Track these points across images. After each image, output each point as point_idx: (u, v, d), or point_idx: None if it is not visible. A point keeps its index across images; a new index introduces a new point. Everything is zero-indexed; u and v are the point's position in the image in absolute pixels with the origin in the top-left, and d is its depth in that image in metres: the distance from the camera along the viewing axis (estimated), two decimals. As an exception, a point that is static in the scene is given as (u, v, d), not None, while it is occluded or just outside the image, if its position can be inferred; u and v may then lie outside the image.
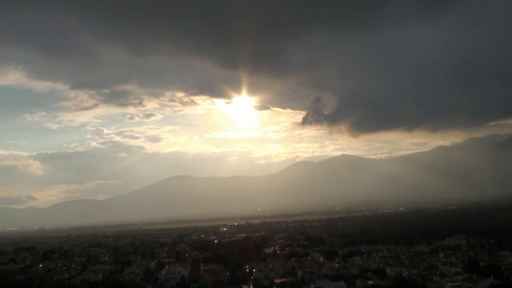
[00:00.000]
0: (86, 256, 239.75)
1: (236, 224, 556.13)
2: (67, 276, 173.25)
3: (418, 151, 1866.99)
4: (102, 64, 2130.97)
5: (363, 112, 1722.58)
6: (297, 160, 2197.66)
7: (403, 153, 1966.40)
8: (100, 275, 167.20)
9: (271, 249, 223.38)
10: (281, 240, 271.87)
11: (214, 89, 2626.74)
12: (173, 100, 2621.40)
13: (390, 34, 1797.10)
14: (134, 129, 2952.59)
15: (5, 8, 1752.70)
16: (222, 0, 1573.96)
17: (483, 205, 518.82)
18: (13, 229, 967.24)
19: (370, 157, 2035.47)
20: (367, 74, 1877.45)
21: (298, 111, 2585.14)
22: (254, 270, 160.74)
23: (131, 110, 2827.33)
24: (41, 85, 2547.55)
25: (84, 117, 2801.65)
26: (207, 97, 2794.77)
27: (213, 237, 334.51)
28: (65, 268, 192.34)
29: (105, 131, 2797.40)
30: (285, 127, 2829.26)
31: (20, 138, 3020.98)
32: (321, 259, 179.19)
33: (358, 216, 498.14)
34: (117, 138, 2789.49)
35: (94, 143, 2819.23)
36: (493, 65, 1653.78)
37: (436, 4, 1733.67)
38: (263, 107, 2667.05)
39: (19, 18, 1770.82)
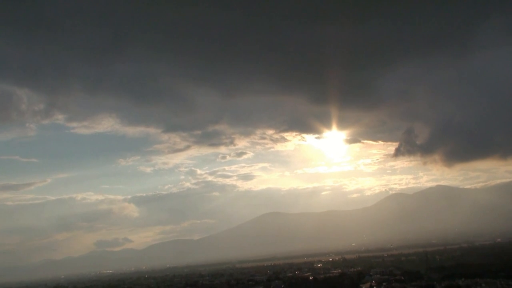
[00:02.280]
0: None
1: (330, 259, 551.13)
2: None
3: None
4: (193, 106, 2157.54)
5: (456, 140, 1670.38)
6: (391, 192, 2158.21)
7: (498, 181, 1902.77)
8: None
9: (368, 284, 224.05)
10: (378, 275, 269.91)
11: (303, 125, 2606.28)
12: (264, 138, 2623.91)
13: (481, 58, 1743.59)
14: (226, 168, 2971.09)
15: (98, 59, 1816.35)
16: (310, 36, 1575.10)
17: None
18: (110, 271, 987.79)
19: (466, 187, 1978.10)
20: (459, 101, 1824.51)
21: (390, 143, 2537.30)
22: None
23: (222, 149, 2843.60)
24: (134, 131, 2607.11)
25: (177, 159, 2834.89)
26: (297, 133, 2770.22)
27: (308, 274, 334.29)
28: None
29: (198, 171, 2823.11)
30: (377, 159, 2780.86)
31: (115, 182, 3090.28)
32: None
33: (455, 248, 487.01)
34: (210, 178, 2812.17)
35: (187, 184, 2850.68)
36: None
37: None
38: (353, 140, 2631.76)
39: (111, 67, 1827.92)
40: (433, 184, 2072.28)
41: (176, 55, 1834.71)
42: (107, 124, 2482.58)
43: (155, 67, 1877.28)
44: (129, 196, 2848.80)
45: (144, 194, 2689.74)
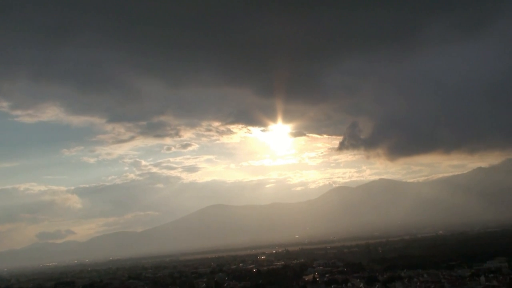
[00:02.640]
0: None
1: (274, 251, 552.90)
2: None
3: (456, 173, 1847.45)
4: (139, 97, 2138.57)
5: (400, 135, 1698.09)
6: (334, 185, 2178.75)
7: (440, 175, 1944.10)
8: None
9: (310, 276, 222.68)
10: (320, 267, 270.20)
11: (250, 118, 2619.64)
12: (210, 130, 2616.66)
13: (426, 56, 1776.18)
14: (171, 159, 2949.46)
15: (43, 44, 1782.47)
16: (257, 29, 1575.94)
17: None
18: (53, 264, 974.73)
19: (408, 181, 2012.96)
20: (403, 97, 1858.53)
21: (334, 137, 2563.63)
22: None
23: (168, 141, 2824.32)
24: (78, 120, 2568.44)
25: (121, 149, 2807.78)
26: (243, 125, 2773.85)
27: (252, 266, 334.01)
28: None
29: (143, 162, 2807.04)
30: (322, 153, 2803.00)
31: (58, 173, 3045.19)
32: (361, 285, 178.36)
33: (397, 240, 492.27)
34: (154, 170, 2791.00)
35: (131, 175, 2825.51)
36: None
37: (467, 26, 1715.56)
38: (299, 133, 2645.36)
39: (57, 54, 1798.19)
40: (376, 177, 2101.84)
41: (123, 43, 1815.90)
42: (51, 113, 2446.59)
43: (101, 54, 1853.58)
44: (72, 187, 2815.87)
45: (88, 185, 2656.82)
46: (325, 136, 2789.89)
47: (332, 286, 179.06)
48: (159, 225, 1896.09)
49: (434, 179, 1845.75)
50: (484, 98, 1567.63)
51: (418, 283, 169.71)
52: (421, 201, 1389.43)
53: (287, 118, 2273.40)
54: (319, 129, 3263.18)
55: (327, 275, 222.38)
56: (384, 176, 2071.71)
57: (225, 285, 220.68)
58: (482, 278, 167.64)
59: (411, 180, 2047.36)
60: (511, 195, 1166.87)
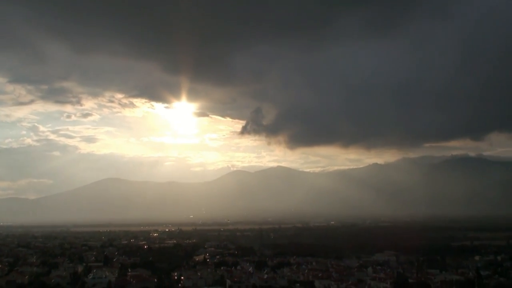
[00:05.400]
0: (13, 256, 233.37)
1: (167, 230, 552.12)
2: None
3: (352, 167, 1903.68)
4: (43, 59, 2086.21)
5: (301, 125, 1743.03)
6: (233, 169, 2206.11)
7: (337, 168, 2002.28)
8: (27, 277, 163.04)
9: (201, 257, 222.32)
10: (212, 248, 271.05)
11: (154, 93, 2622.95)
12: (112, 101, 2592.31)
13: (334, 51, 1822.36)
14: (70, 128, 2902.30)
15: None
16: (168, 4, 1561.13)
17: (414, 223, 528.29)
18: None
19: (305, 170, 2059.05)
20: (308, 88, 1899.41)
21: (237, 120, 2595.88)
22: (182, 278, 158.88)
23: (68, 108, 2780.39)
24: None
25: (20, 112, 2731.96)
26: (147, 100, 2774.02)
27: (143, 242, 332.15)
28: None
29: (41, 128, 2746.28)
30: (224, 135, 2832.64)
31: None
32: (250, 269, 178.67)
33: (289, 227, 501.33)
34: (52, 136, 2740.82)
35: (28, 140, 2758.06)
36: (432, 88, 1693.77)
37: (380, 25, 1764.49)
38: (202, 114, 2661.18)
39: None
40: (275, 164, 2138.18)
41: (31, 4, 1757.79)
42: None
43: (8, 13, 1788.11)
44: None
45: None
46: (228, 119, 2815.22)
47: (222, 268, 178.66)
48: (53, 194, 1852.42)
49: (330, 171, 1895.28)
50: (387, 97, 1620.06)
51: (306, 270, 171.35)
52: (316, 191, 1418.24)
53: (192, 97, 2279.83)
54: (223, 112, 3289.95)
55: (217, 257, 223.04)
56: (283, 164, 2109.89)
57: (115, 260, 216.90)
58: (370, 270, 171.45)
59: (308, 170, 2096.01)
60: (403, 192, 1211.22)
